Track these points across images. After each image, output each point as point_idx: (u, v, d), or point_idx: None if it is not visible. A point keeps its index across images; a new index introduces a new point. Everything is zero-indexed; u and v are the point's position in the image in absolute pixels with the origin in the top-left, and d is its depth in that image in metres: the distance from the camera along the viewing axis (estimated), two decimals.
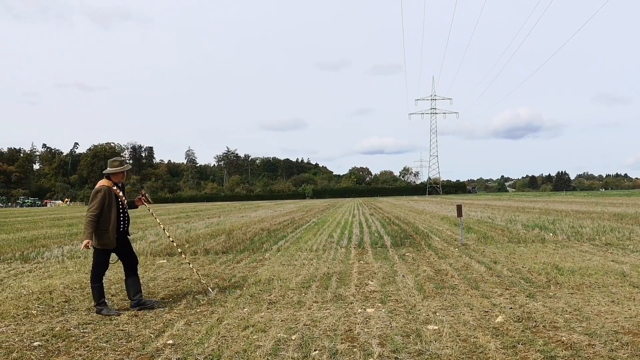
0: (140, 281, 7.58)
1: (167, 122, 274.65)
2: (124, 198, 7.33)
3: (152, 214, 8.26)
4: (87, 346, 5.60)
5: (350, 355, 5.06)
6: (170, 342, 5.63)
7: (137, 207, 7.77)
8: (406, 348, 5.21)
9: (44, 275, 10.45)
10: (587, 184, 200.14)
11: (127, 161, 7.76)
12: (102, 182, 7.26)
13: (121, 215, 7.27)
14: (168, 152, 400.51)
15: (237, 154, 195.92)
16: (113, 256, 7.35)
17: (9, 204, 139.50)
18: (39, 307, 7.54)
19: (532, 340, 5.36)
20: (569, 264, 10.01)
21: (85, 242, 6.90)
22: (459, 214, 15.05)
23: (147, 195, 7.84)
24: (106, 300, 7.24)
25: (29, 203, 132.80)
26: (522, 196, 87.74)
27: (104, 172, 7.42)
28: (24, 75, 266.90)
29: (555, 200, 51.23)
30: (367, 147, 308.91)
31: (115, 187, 7.25)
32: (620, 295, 7.27)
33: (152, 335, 5.92)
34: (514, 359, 4.85)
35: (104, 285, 7.48)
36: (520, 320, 6.11)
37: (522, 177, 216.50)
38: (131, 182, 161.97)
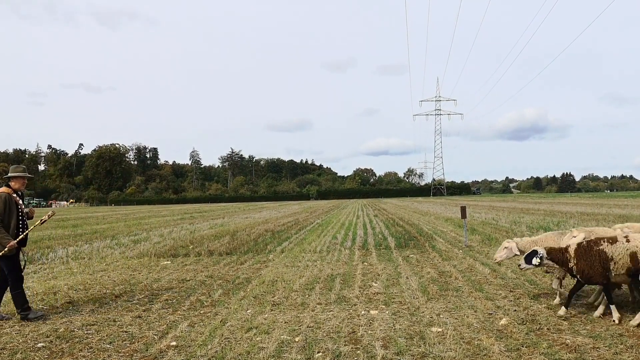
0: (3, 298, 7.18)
1: (171, 123, 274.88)
2: (23, 206, 7.18)
3: (40, 221, 7.49)
4: (91, 347, 5.62)
5: (353, 358, 5.06)
6: (174, 343, 5.64)
7: (32, 217, 7.46)
8: (410, 350, 5.20)
9: (48, 277, 10.49)
10: (592, 185, 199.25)
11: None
12: (2, 189, 7.08)
13: (20, 223, 7.09)
14: (172, 153, 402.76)
15: (241, 155, 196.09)
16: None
17: None
18: (43, 308, 7.57)
19: (536, 342, 5.34)
20: None
21: (9, 244, 6.73)
22: (463, 215, 15.02)
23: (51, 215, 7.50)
24: (30, 305, 7.06)
25: (34, 204, 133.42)
26: (527, 197, 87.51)
27: (4, 176, 7.29)
28: (30, 76, 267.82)
29: (560, 202, 51.06)
30: (372, 148, 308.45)
31: (15, 195, 7.09)
32: (624, 297, 7.23)
33: (156, 337, 5.93)
34: None
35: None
36: (524, 323, 6.09)
37: (527, 179, 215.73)
38: (136, 182, 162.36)
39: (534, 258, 6.46)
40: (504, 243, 7.37)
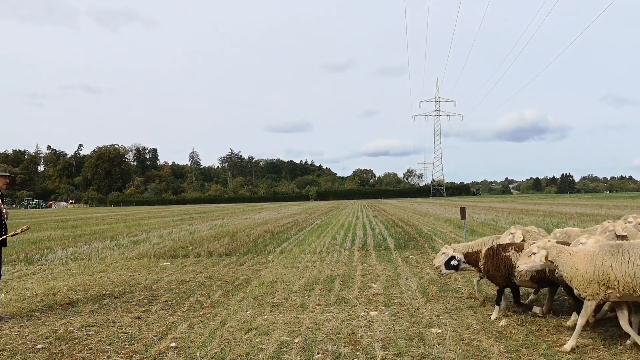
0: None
1: (171, 124, 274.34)
2: (2, 206, 7.12)
3: (12, 234, 7.57)
4: (90, 349, 5.62)
5: (353, 359, 5.06)
6: (174, 345, 5.64)
7: (6, 218, 7.37)
8: (409, 351, 5.20)
9: (47, 278, 10.49)
10: (592, 186, 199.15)
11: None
12: None
13: None
14: (172, 153, 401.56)
15: (241, 155, 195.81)
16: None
17: (14, 205, 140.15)
18: (42, 309, 7.57)
19: (536, 343, 5.34)
20: None
21: None
22: (463, 216, 15.02)
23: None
24: None
25: (33, 205, 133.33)
26: (526, 198, 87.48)
27: None
28: (29, 76, 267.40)
29: (559, 203, 51.05)
30: (372, 149, 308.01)
31: None
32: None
33: (155, 338, 5.93)
34: None
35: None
36: (523, 324, 6.09)
37: (527, 179, 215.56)
38: (135, 183, 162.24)
39: (451, 262, 6.77)
40: (442, 249, 7.38)
